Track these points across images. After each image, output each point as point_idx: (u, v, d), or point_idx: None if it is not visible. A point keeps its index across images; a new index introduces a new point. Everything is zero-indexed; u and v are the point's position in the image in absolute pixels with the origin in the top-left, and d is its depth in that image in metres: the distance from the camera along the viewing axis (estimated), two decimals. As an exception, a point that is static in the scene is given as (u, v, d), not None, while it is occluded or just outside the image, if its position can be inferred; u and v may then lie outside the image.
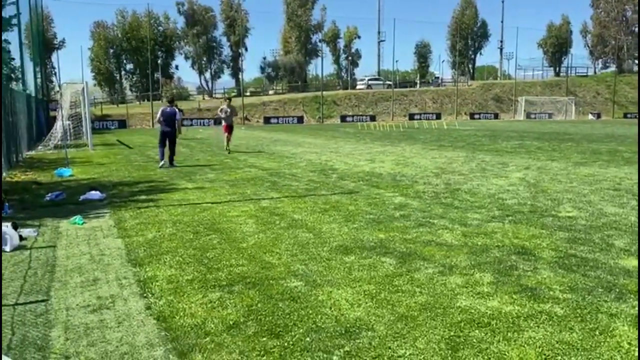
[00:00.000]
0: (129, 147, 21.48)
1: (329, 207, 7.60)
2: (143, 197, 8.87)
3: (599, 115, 63.57)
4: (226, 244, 5.62)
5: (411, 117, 58.23)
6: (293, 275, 4.54)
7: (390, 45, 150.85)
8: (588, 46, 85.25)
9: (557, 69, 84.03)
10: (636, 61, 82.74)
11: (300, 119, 53.12)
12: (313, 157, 15.77)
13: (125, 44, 64.67)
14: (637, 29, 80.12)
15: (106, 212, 7.60)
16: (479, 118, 59.92)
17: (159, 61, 63.34)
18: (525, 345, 3.15)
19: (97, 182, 10.84)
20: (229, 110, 17.56)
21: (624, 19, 79.42)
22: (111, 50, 65.36)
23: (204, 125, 46.10)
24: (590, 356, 3.01)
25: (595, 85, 73.14)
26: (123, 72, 68.27)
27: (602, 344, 3.16)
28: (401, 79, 79.02)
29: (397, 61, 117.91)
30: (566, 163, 13.09)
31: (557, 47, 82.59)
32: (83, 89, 21.75)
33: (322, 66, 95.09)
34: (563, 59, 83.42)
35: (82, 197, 8.69)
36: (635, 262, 4.75)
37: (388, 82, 67.33)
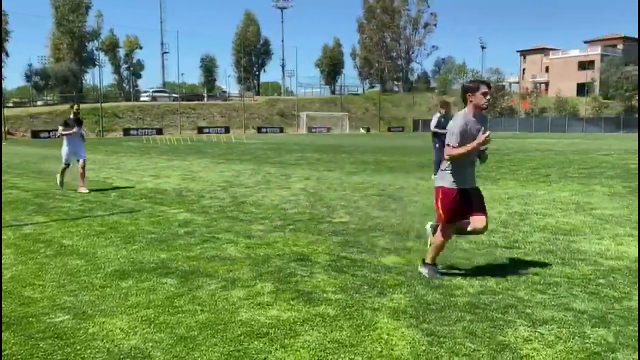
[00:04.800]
0: None
1: (106, 228, 7.03)
2: None
3: (368, 129, 71.37)
4: (-26, 281, 4.77)
5: (200, 130, 57.80)
6: (59, 309, 4.05)
7: (175, 57, 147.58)
8: (357, 67, 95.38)
9: (333, 87, 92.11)
10: (396, 82, 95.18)
11: (77, 133, 48.54)
12: (90, 174, 14.47)
13: None
14: (394, 54, 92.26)
15: None
16: (266, 132, 62.32)
17: None
18: (301, 350, 3.30)
19: None
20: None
21: (384, 44, 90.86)
22: None
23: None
24: (356, 351, 3.28)
25: (364, 103, 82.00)
26: None
27: (366, 338, 3.47)
28: (188, 92, 77.90)
29: (182, 74, 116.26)
30: (341, 173, 14.34)
31: (331, 67, 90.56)
32: None
33: (101, 76, 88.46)
34: (337, 78, 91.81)
35: None
36: (394, 259, 5.37)
37: (174, 95, 65.83)
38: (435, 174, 12.96)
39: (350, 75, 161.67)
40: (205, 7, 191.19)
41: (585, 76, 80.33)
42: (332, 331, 3.58)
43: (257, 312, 3.92)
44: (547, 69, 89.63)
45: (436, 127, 12.57)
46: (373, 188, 11.01)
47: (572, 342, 3.39)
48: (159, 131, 54.07)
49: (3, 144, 33.07)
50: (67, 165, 10.93)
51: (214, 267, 5.13)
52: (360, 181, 12.31)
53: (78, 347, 3.37)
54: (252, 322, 3.73)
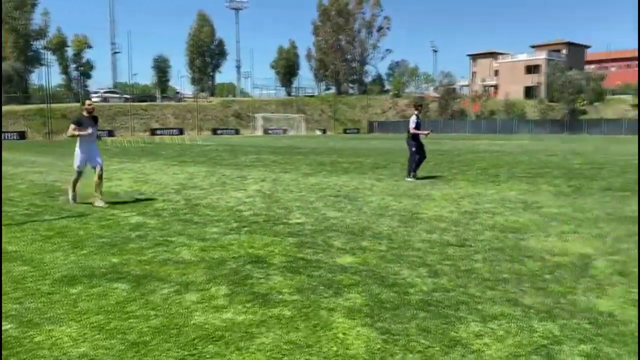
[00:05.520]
0: None
1: (54, 233, 6.78)
2: None
3: (324, 131, 71.65)
4: None
5: (153, 132, 56.58)
6: (3, 318, 3.87)
7: (127, 57, 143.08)
8: (313, 69, 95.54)
9: (289, 88, 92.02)
10: (351, 84, 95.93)
11: (21, 135, 46.71)
12: (37, 177, 13.95)
13: None
14: (348, 57, 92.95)
15: None
16: (221, 134, 61.58)
17: None
18: (257, 352, 3.28)
19: None
20: None
21: (339, 47, 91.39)
22: None
23: None
24: (312, 351, 3.29)
25: (320, 105, 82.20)
26: None
27: (322, 338, 3.49)
28: (141, 93, 76.19)
29: (135, 74, 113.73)
30: (297, 174, 14.34)
31: (287, 68, 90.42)
32: None
33: (49, 76, 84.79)
34: (293, 79, 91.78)
35: None
36: (350, 259, 5.42)
37: (126, 96, 64.23)
38: (408, 177, 12.48)
39: (305, 77, 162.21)
40: (157, 7, 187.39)
41: (532, 80, 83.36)
42: (288, 332, 3.57)
43: (212, 316, 3.87)
44: (496, 73, 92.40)
45: (415, 128, 12.84)
46: (329, 189, 11.07)
47: (520, 336, 3.51)
48: (110, 133, 52.58)
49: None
50: (80, 174, 9.17)
51: (167, 271, 5.03)
52: (316, 182, 12.34)
53: (24, 357, 3.24)
54: (207, 326, 3.68)
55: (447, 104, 79.68)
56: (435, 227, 6.99)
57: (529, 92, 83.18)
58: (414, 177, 12.73)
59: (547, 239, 6.27)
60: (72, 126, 9.04)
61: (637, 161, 17.90)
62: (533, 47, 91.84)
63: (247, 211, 8.39)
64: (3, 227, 7.23)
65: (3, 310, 4.03)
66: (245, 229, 6.99)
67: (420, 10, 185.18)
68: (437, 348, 3.32)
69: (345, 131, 73.29)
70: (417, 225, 7.11)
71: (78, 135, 8.94)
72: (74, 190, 9.28)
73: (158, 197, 10.11)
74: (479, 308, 4.00)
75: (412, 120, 12.91)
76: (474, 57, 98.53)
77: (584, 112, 71.30)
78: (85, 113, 9.18)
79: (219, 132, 61.98)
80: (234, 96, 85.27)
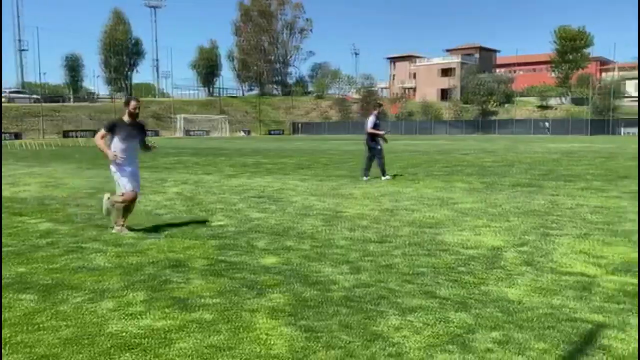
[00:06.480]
0: None
1: (-49, 243, 6.23)
2: None
3: (249, 132, 71.05)
4: None
5: (65, 134, 53.62)
6: None
7: (35, 56, 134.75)
8: (235, 70, 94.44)
9: (210, 89, 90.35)
10: (275, 86, 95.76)
11: None
12: None
13: None
14: (271, 58, 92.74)
15: None
16: (140, 135, 59.28)
17: None
18: (176, 357, 3.18)
19: None
20: None
21: (262, 48, 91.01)
22: None
23: None
24: (234, 353, 3.24)
25: (243, 106, 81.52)
26: None
27: (244, 339, 3.44)
28: (51, 93, 71.95)
29: (44, 73, 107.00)
30: (220, 176, 14.11)
31: (208, 69, 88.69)
32: None
33: (-56, 74, 77.67)
34: (214, 80, 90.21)
35: None
36: (273, 259, 5.39)
37: (35, 96, 60.46)
38: (364, 176, 12.47)
39: (227, 78, 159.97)
40: (68, 2, 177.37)
41: (447, 82, 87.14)
42: (209, 336, 3.49)
43: (128, 323, 3.71)
44: (414, 76, 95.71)
45: (373, 128, 12.87)
46: (252, 190, 10.97)
47: (437, 327, 3.64)
48: (17, 135, 49.25)
49: None
50: (134, 192, 6.76)
51: (80, 279, 4.77)
52: (239, 184, 12.20)
53: None
54: (123, 334, 3.52)
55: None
56: (357, 225, 7.11)
57: (445, 94, 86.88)
58: (386, 175, 12.81)
59: (461, 233, 6.57)
60: (101, 133, 6.64)
61: (542, 159, 19.19)
62: (447, 50, 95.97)
63: (167, 215, 8.14)
64: None
65: None
66: (165, 232, 6.77)
67: (341, 12, 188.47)
68: (358, 343, 3.37)
69: (269, 132, 73.10)
70: (340, 224, 7.21)
71: (105, 153, 6.50)
72: (123, 216, 6.87)
73: (70, 202, 9.58)
74: (398, 302, 4.12)
75: (370, 121, 12.96)
76: (393, 60, 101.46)
77: (495, 113, 75.45)
78: (126, 117, 6.73)
79: (137, 133, 59.69)
80: (153, 97, 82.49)
